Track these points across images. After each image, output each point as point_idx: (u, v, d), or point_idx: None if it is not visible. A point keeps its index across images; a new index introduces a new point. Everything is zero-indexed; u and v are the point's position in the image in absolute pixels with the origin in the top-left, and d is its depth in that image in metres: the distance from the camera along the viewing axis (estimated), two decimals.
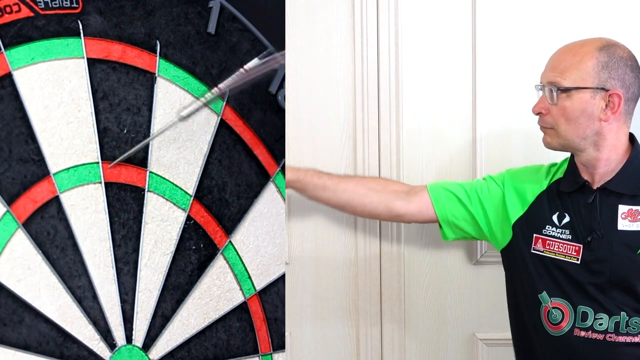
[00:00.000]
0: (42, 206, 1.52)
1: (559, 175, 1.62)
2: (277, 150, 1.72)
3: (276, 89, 1.73)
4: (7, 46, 1.51)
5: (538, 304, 1.58)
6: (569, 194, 1.56)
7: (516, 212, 1.63)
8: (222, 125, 1.68)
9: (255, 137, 1.70)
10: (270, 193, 1.71)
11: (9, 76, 1.51)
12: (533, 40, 1.96)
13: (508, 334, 1.74)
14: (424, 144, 2.00)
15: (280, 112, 1.73)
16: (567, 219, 1.55)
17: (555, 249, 1.55)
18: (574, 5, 1.95)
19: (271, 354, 1.69)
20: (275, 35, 1.73)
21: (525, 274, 1.61)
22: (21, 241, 1.51)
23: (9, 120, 1.51)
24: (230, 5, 1.69)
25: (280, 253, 1.72)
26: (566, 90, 1.48)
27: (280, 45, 1.74)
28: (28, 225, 1.51)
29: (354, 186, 1.76)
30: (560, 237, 1.55)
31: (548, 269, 1.57)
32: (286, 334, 1.97)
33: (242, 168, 1.69)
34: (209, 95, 1.58)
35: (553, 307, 1.55)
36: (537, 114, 1.55)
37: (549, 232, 1.56)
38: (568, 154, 1.62)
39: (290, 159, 1.99)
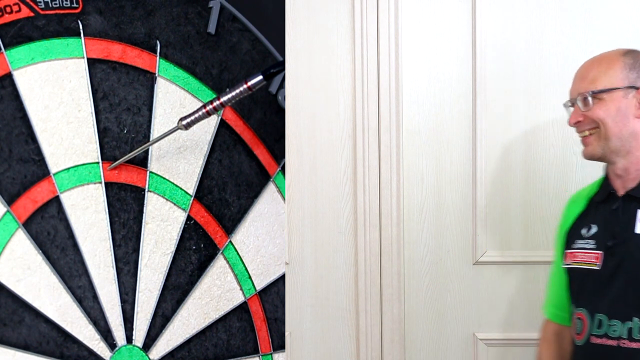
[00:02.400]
0: (42, 206, 1.52)
1: (595, 189, 1.65)
2: (277, 150, 1.72)
3: (276, 89, 1.73)
4: (7, 46, 1.51)
5: (571, 316, 1.62)
6: (599, 203, 1.61)
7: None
8: (222, 125, 1.68)
9: (255, 137, 1.70)
10: (270, 193, 1.71)
11: (9, 76, 1.51)
12: (533, 40, 1.96)
13: (508, 334, 1.74)
14: (424, 144, 2.00)
15: (280, 112, 1.73)
16: (594, 230, 1.60)
17: (579, 259, 1.60)
18: (574, 5, 1.95)
19: (271, 354, 1.69)
20: (275, 35, 1.73)
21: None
22: (21, 241, 1.50)
23: (9, 120, 1.51)
24: (230, 5, 1.69)
25: (280, 253, 1.72)
26: (600, 92, 1.53)
27: (280, 45, 1.74)
28: (28, 225, 1.51)
29: None
30: (585, 247, 1.60)
31: (574, 280, 1.62)
32: (286, 334, 1.97)
33: (242, 168, 1.68)
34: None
35: (577, 317, 1.59)
36: (575, 123, 1.57)
37: (577, 245, 1.62)
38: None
39: (290, 159, 1.99)
